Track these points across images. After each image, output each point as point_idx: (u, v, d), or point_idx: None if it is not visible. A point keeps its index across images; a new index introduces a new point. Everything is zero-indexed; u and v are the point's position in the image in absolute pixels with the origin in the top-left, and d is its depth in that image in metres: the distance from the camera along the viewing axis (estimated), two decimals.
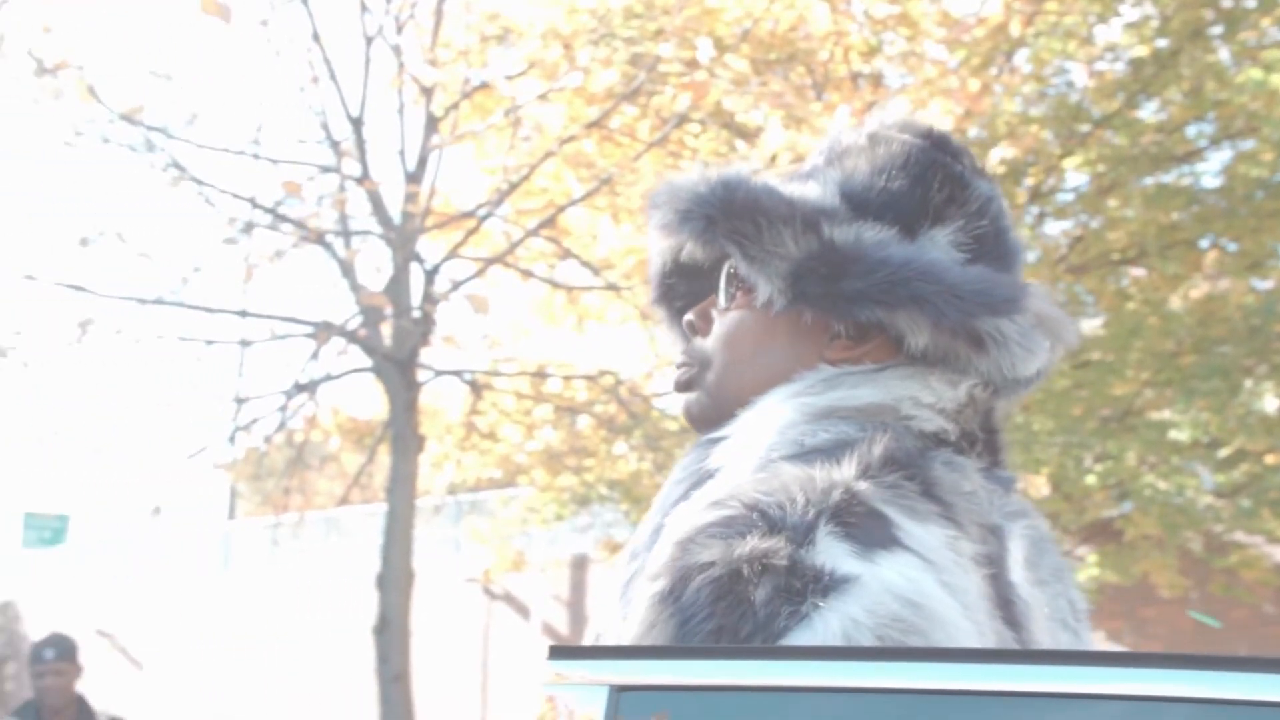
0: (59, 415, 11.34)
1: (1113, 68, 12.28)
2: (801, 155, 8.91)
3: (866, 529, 1.25)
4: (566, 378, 12.02)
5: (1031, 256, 13.11)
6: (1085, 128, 12.54)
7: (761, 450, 1.40)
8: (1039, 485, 10.22)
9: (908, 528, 1.27)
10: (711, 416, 1.52)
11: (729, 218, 1.48)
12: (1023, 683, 1.17)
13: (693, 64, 9.97)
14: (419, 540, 21.94)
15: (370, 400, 12.88)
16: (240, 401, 11.10)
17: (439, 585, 20.21)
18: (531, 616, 21.66)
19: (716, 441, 1.45)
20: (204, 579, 27.37)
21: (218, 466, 12.53)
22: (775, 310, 1.47)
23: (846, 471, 1.30)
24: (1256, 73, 10.27)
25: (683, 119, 10.22)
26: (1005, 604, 1.35)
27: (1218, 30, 11.90)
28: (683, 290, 1.65)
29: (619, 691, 1.40)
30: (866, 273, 1.42)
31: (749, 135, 10.66)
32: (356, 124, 10.54)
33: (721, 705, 1.42)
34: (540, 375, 12.07)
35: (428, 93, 10.91)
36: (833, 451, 1.34)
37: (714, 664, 1.40)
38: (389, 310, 10.46)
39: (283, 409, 10.43)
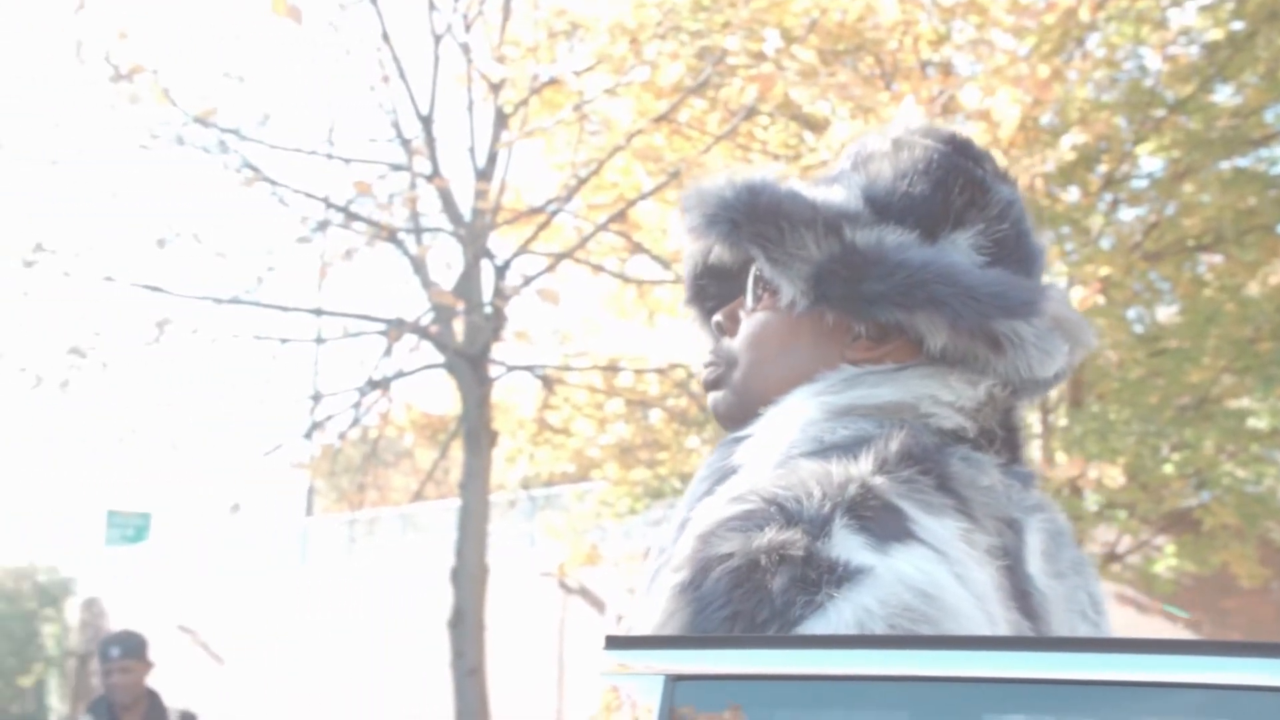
0: (138, 414, 11.49)
1: (1186, 51, 12.12)
2: None
3: (881, 522, 1.28)
4: (638, 371, 12.03)
5: (1105, 244, 12.99)
6: (1159, 113, 12.40)
7: (782, 447, 1.43)
8: (1115, 475, 10.11)
9: (922, 521, 1.30)
10: (737, 414, 1.56)
11: (753, 221, 1.52)
12: (1089, 671, 1.16)
13: (760, 56, 9.94)
14: (494, 535, 22.07)
15: (443, 396, 12.94)
16: (315, 399, 11.21)
17: (514, 580, 20.33)
18: (607, 610, 21.69)
19: (740, 440, 1.49)
20: (282, 575, 27.63)
21: (295, 465, 12.66)
22: (798, 311, 1.51)
23: (863, 466, 1.33)
24: None
25: (751, 111, 10.20)
26: (1022, 595, 1.37)
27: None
28: (714, 291, 1.69)
29: (674, 680, 1.42)
30: (886, 275, 1.46)
31: (817, 127, 10.64)
32: (426, 122, 10.59)
33: (777, 694, 1.43)
34: (612, 369, 12.09)
35: (496, 89, 10.95)
36: (851, 447, 1.37)
37: (769, 653, 1.40)
38: (460, 307, 10.52)
39: (356, 406, 10.52)
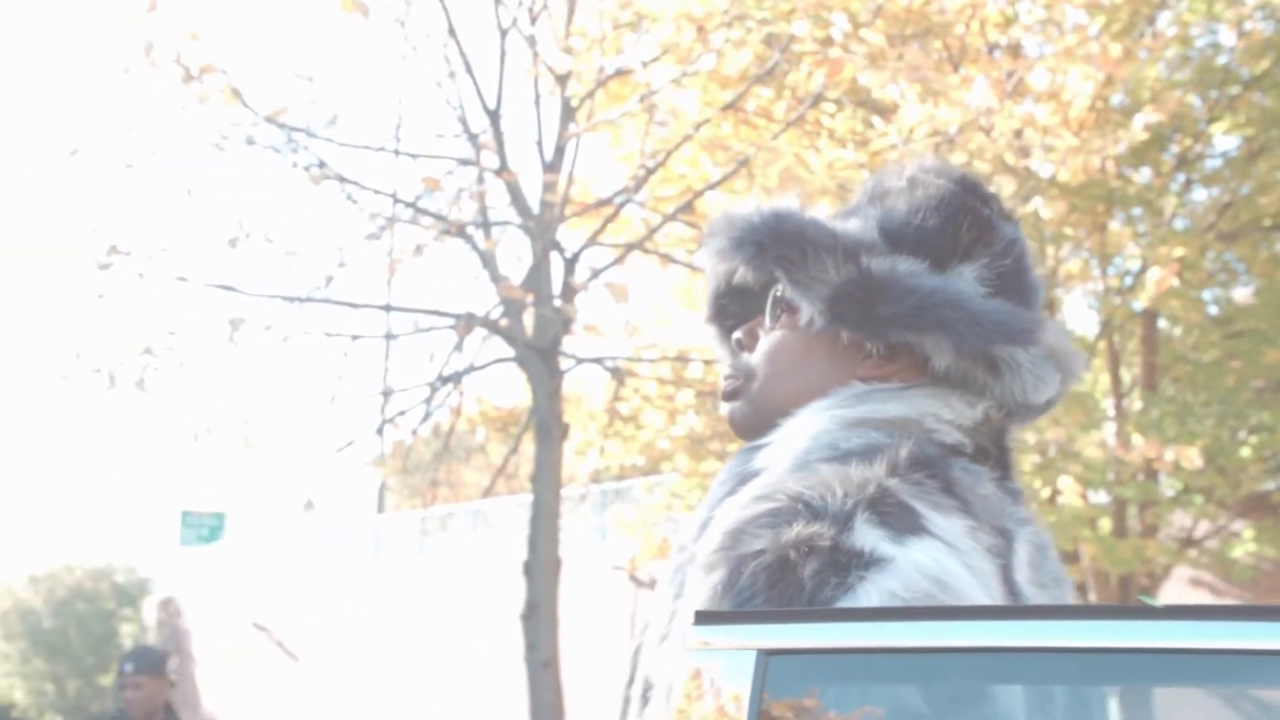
0: (213, 414, 11.59)
1: (1260, 26, 11.92)
2: (940, 130, 8.78)
3: (898, 518, 1.42)
4: (708, 362, 11.99)
5: (1179, 225, 12.81)
6: (1234, 90, 12.20)
7: (799, 454, 1.56)
8: (1193, 456, 9.97)
9: (932, 518, 1.44)
10: (753, 424, 1.70)
11: (778, 245, 1.65)
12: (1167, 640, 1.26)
13: (827, 42, 9.88)
14: (564, 529, 22.05)
15: (513, 390, 12.96)
16: (386, 395, 11.25)
17: (585, 573, 20.33)
18: None
19: (758, 448, 1.62)
20: (355, 572, 27.79)
21: (367, 462, 12.73)
22: (815, 330, 1.64)
23: (878, 470, 1.47)
24: None
25: (818, 98, 10.13)
26: (1012, 597, 1.49)
27: None
28: (734, 311, 1.81)
29: (767, 656, 1.41)
30: (899, 299, 1.60)
31: (885, 112, 10.55)
32: (494, 116, 10.60)
33: (868, 667, 1.42)
34: (682, 360, 12.06)
35: (563, 82, 10.95)
36: (865, 454, 1.51)
37: (861, 626, 1.40)
38: (529, 300, 10.53)
39: (428, 401, 10.54)
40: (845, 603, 1.34)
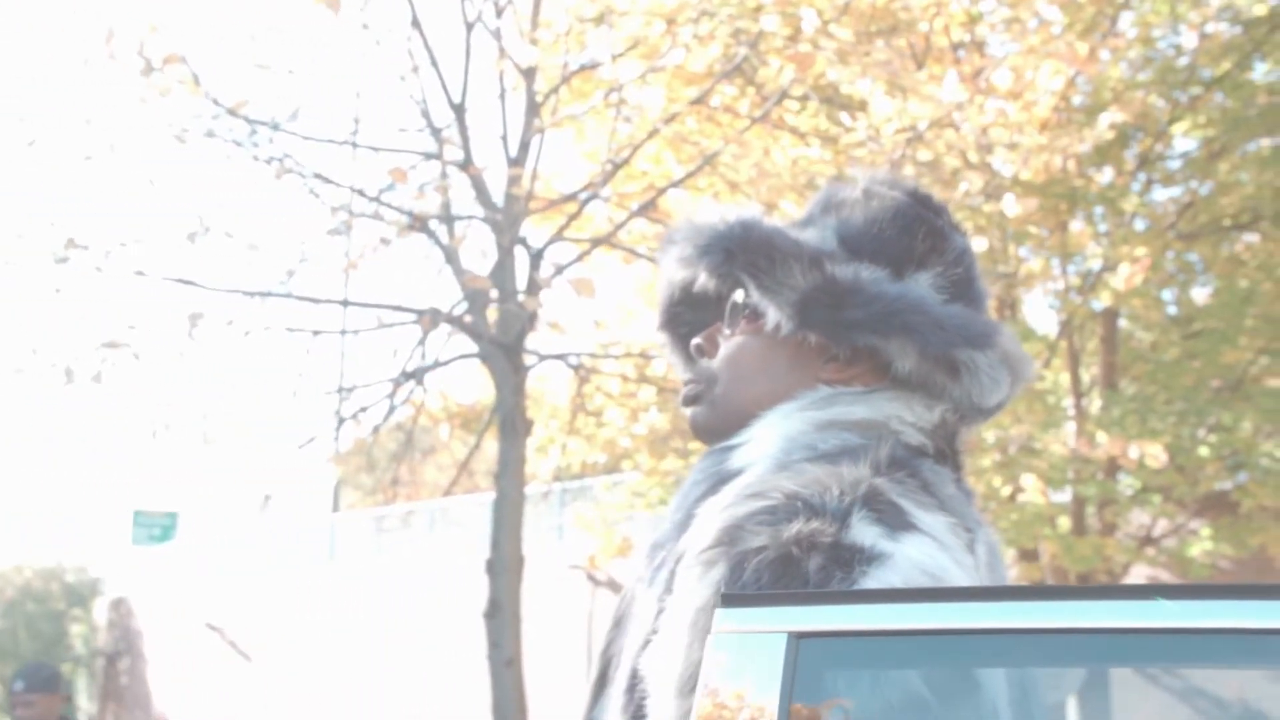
0: (169, 410, 11.46)
1: (1218, 28, 11.98)
2: (910, 126, 8.76)
3: (890, 515, 1.46)
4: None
5: (1140, 225, 12.86)
6: (1195, 91, 12.25)
7: (778, 454, 1.59)
8: (1157, 453, 10.01)
9: (919, 515, 1.48)
10: (716, 427, 1.73)
11: (746, 252, 1.69)
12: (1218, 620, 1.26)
13: (793, 38, 9.87)
14: (525, 527, 21.90)
15: (475, 386, 12.88)
16: (343, 391, 11.15)
17: (543, 572, 20.26)
18: None
19: (732, 449, 1.65)
20: (310, 572, 27.63)
21: (326, 459, 12.63)
22: (783, 334, 1.67)
23: (865, 469, 1.51)
24: None
25: (784, 95, 10.10)
26: None
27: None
28: (688, 318, 1.85)
29: (798, 639, 1.38)
30: (865, 304, 1.64)
31: (852, 108, 10.54)
32: (459, 110, 10.53)
33: (900, 650, 1.39)
34: (645, 357, 12.02)
35: (528, 76, 10.88)
36: (844, 454, 1.55)
37: (892, 608, 1.37)
38: (493, 294, 10.46)
39: (391, 396, 10.45)
40: None
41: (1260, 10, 11.14)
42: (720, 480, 1.59)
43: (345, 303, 10.70)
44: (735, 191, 10.63)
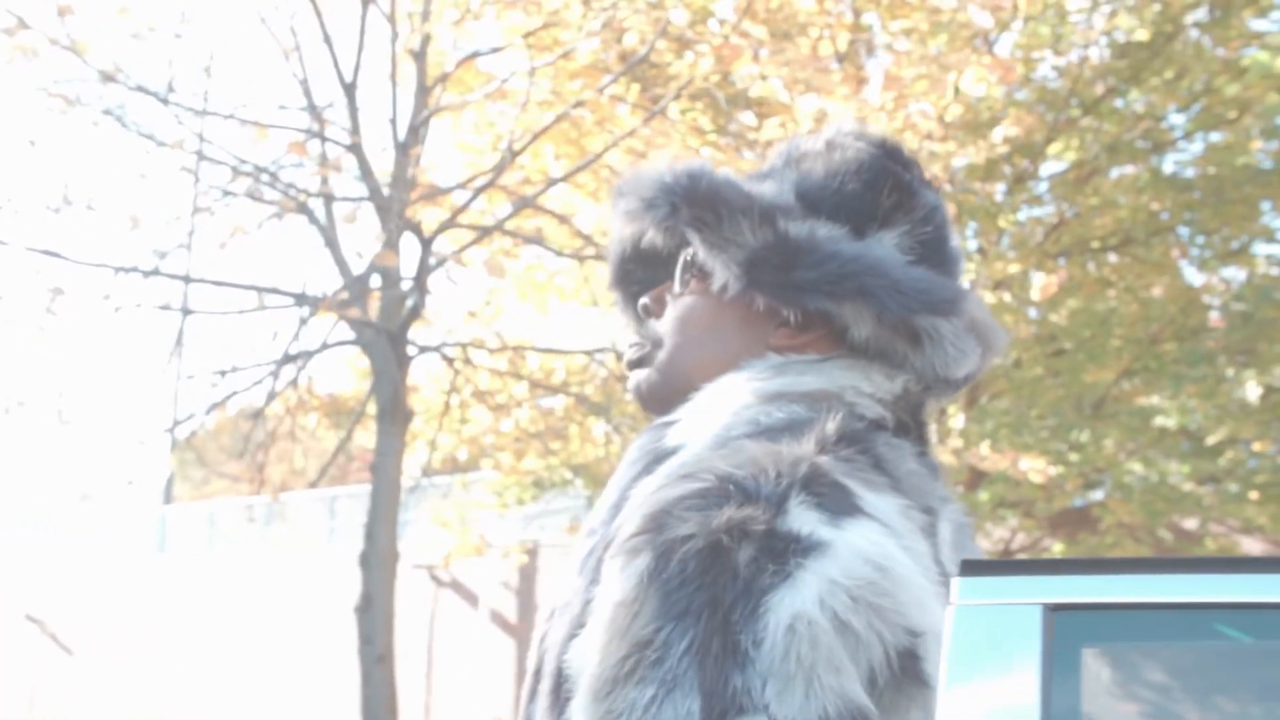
0: (25, 386, 10.98)
1: (1089, 54, 12.25)
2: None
3: (833, 498, 1.33)
4: (548, 351, 11.83)
5: (1006, 243, 13.08)
6: (1074, 114, 12.50)
7: (718, 429, 1.47)
8: (1040, 466, 10.17)
9: (866, 497, 1.36)
10: (660, 393, 1.61)
11: (691, 206, 1.56)
12: None
13: (682, 41, 9.85)
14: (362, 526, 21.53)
15: (341, 376, 12.56)
16: (185, 378, 10.81)
17: None
18: (480, 604, 21.44)
19: (670, 424, 1.53)
20: (138, 564, 26.90)
21: (186, 442, 12.25)
22: (729, 295, 1.55)
23: (809, 447, 1.38)
24: (1263, 56, 10.27)
25: (681, 90, 10.03)
26: (941, 581, 1.39)
27: (1199, 16, 11.94)
28: (639, 276, 1.73)
29: (1053, 611, 1.26)
30: (817, 264, 1.51)
31: (761, 107, 10.51)
32: (349, 89, 10.26)
33: (1158, 623, 1.29)
34: (520, 351, 11.85)
35: (419, 59, 10.65)
36: (788, 429, 1.43)
37: (1152, 579, 1.27)
38: (374, 281, 10.22)
39: (274, 377, 10.13)
40: (784, 592, 1.23)
41: (1142, 35, 11.41)
42: (656, 459, 1.47)
43: (215, 282, 10.31)
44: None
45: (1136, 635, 1.31)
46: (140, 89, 10.16)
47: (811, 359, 1.54)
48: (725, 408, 1.50)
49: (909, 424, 1.55)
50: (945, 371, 1.53)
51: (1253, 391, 11.65)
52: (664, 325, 1.63)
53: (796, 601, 1.23)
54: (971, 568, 1.29)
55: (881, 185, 1.59)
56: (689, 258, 1.61)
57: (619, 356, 11.19)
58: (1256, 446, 11.92)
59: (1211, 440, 11.99)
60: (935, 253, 1.60)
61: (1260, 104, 11.15)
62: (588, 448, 14.40)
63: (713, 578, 1.24)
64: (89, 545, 28.34)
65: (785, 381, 1.52)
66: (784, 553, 1.26)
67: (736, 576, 1.24)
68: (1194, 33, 11.89)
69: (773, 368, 1.53)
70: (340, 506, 23.77)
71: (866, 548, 1.30)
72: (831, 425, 1.43)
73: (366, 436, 12.92)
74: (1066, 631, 1.26)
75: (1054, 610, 1.26)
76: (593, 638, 1.30)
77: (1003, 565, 1.31)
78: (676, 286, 1.63)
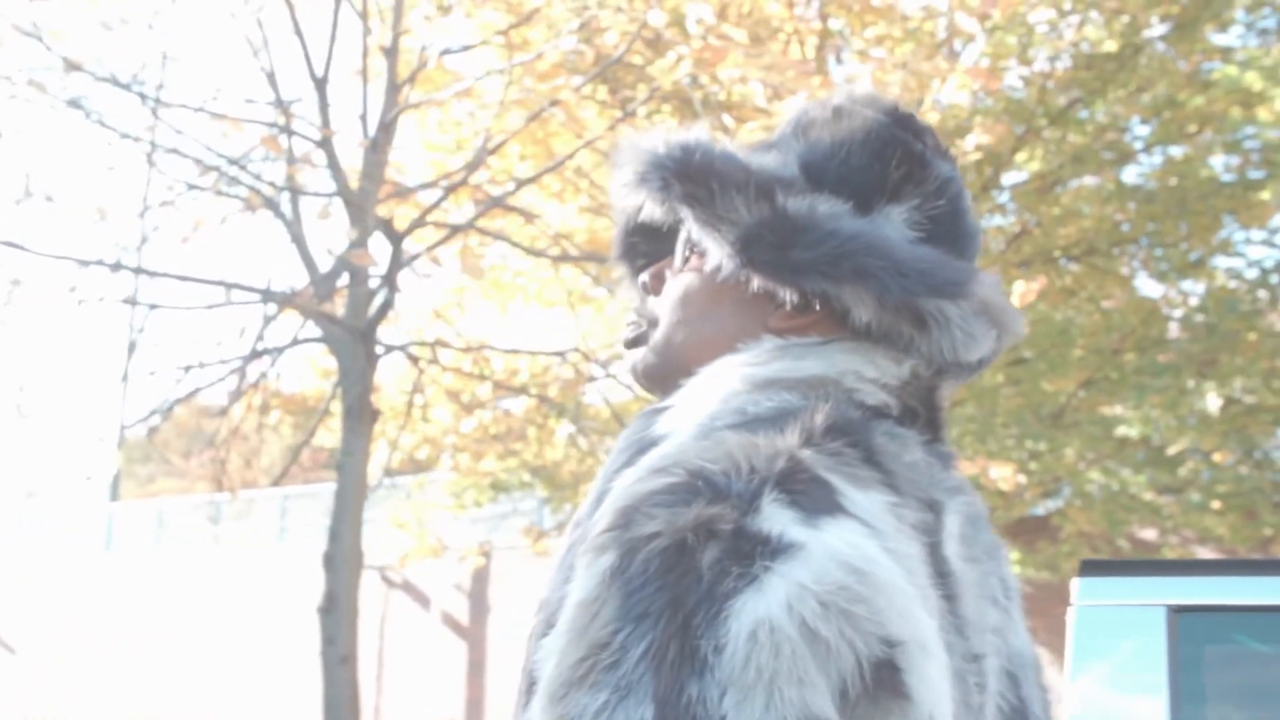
0: None
1: (1055, 66, 12.31)
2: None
3: (811, 496, 1.23)
4: (511, 352, 11.77)
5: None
6: (1040, 124, 12.56)
7: (703, 419, 1.39)
8: (1008, 474, 10.20)
9: (851, 494, 1.26)
10: (656, 374, 1.54)
11: (683, 180, 1.48)
12: None
13: (659, 42, 9.81)
14: (319, 526, 21.40)
15: (305, 375, 12.43)
16: (148, 374, 10.66)
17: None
18: (431, 605, 21.32)
19: (660, 411, 1.45)
20: (84, 562, 26.60)
21: (132, 439, 12.08)
22: (723, 276, 1.47)
23: (790, 439, 1.29)
24: (1232, 70, 10.34)
25: (654, 93, 10.00)
26: (941, 576, 1.32)
27: (1162, 30, 12.04)
28: (645, 250, 1.66)
29: (1176, 613, 1.24)
30: (815, 243, 1.42)
31: (738, 109, 10.48)
32: (320, 84, 10.16)
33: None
34: (481, 351, 11.77)
35: (390, 56, 10.57)
36: (776, 419, 1.34)
37: (1274, 581, 1.24)
38: (343, 280, 10.13)
39: (240, 375, 10.02)
40: (749, 596, 1.14)
41: (1110, 47, 11.47)
42: (640, 449, 1.40)
43: (183, 278, 10.17)
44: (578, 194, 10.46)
45: (1262, 637, 1.29)
46: (107, 80, 10.02)
47: (812, 342, 1.45)
48: (714, 395, 1.42)
49: (918, 411, 1.45)
50: (954, 355, 1.44)
51: (1213, 403, 11.73)
52: (661, 304, 1.57)
53: (760, 607, 1.14)
54: (1092, 568, 1.27)
55: (890, 156, 1.50)
56: (689, 234, 1.53)
57: (586, 357, 11.15)
58: (1216, 458, 11.99)
59: (1172, 451, 12.06)
60: (948, 229, 1.51)
61: (1224, 118, 11.23)
62: (547, 450, 14.36)
63: (675, 579, 1.16)
64: (34, 543, 28.01)
65: (781, 367, 1.43)
66: (751, 554, 1.17)
67: (700, 579, 1.16)
68: (1159, 45, 11.97)
69: (770, 351, 1.45)
70: (291, 506, 23.59)
71: (843, 549, 1.19)
72: (820, 415, 1.33)
73: (324, 435, 12.82)
74: (1190, 633, 1.24)
75: (1178, 612, 1.24)
76: (555, 637, 1.23)
77: (1124, 565, 1.29)
78: (676, 263, 1.57)
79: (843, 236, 1.41)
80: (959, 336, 1.41)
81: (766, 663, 1.12)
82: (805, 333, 1.46)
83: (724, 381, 1.43)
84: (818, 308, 1.44)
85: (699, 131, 1.53)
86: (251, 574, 22.67)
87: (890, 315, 1.41)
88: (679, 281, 1.55)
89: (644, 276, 1.61)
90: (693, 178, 1.46)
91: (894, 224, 1.47)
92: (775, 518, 1.19)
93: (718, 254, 1.45)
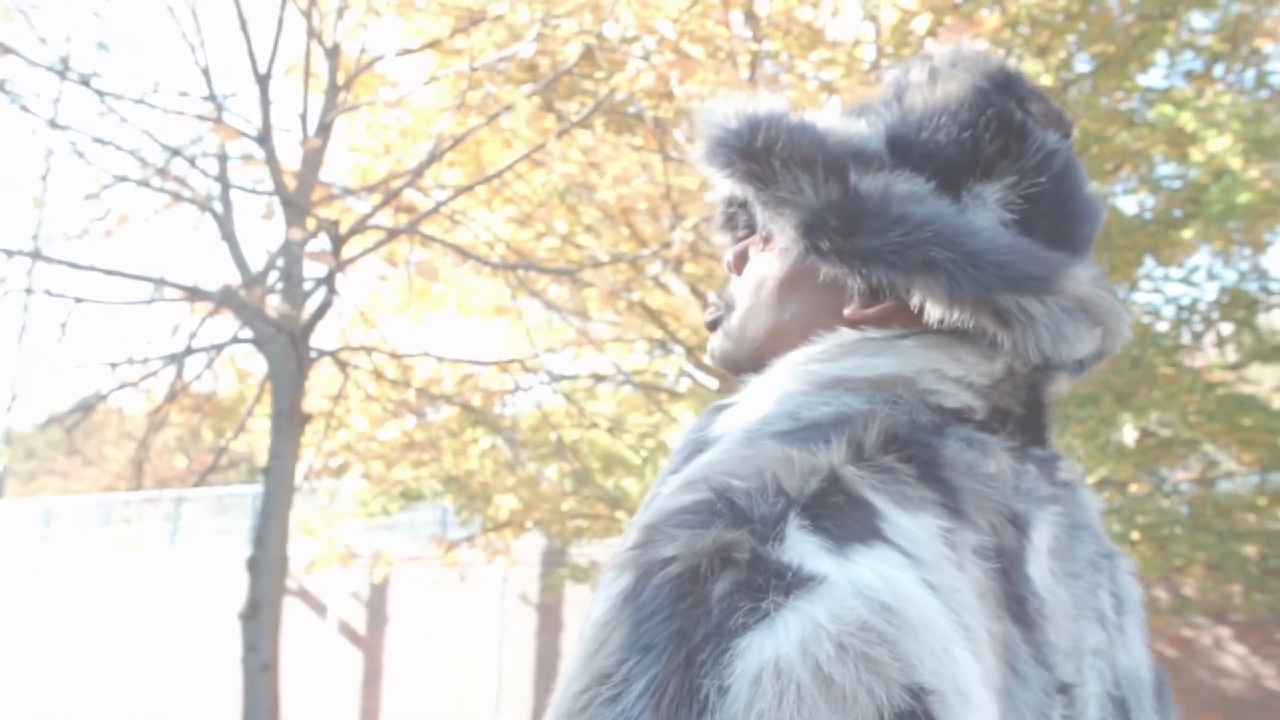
0: None
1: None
2: None
3: (844, 520, 1.09)
4: (440, 360, 11.68)
5: None
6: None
7: (753, 422, 1.27)
8: None
9: (894, 518, 1.11)
10: (733, 360, 1.45)
11: (746, 159, 1.35)
12: None
13: (591, 56, 9.78)
14: (212, 531, 21.09)
15: (221, 376, 12.20)
16: (75, 367, 10.44)
17: (225, 578, 19.45)
18: (328, 614, 21.07)
19: (724, 408, 1.34)
20: None
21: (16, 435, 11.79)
22: (791, 261, 1.37)
23: (834, 453, 1.15)
24: (1168, 109, 10.54)
25: (598, 105, 9.95)
26: (1017, 600, 1.18)
27: (1088, 69, 12.26)
28: (743, 221, 1.55)
29: None
30: (882, 230, 1.29)
31: (657, 130, 10.49)
32: (263, 80, 10.00)
33: None
34: (405, 357, 11.66)
35: (332, 56, 10.45)
36: (828, 427, 1.20)
37: None
38: (274, 280, 9.97)
39: (177, 373, 9.82)
40: (759, 634, 1.01)
41: (1046, 81, 11.65)
42: (696, 450, 1.28)
43: (110, 272, 9.94)
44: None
45: None
46: (36, 64, 9.78)
47: (889, 335, 1.31)
48: (771, 396, 1.30)
49: (1012, 411, 1.32)
50: (1040, 355, 1.28)
51: (1129, 434, 11.92)
52: (741, 286, 1.46)
53: (768, 647, 1.00)
54: None
55: (984, 127, 1.34)
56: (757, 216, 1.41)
57: (525, 367, 11.09)
58: (1133, 488, 12.19)
59: (1091, 480, 12.26)
60: (1051, 209, 1.35)
61: (1146, 157, 11.45)
62: (460, 460, 14.24)
63: (685, 609, 1.04)
64: None
65: (851, 364, 1.30)
66: (764, 588, 1.03)
67: (709, 612, 1.03)
68: (1088, 84, 12.17)
69: (842, 346, 1.32)
70: (185, 509, 23.22)
71: (872, 583, 1.04)
72: (876, 425, 1.18)
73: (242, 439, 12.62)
74: None
75: None
76: (569, 659, 1.11)
77: None
78: (760, 242, 1.46)
79: (913, 222, 1.28)
80: (1045, 336, 1.27)
81: (769, 709, 0.98)
82: (884, 324, 1.33)
83: (784, 379, 1.31)
84: (889, 299, 1.32)
85: (773, 101, 1.39)
86: (142, 576, 22.25)
87: (965, 311, 1.27)
88: (758, 263, 1.45)
89: (728, 256, 1.51)
90: (755, 156, 1.35)
91: (987, 206, 1.33)
92: (799, 546, 1.06)
93: (782, 239, 1.36)
